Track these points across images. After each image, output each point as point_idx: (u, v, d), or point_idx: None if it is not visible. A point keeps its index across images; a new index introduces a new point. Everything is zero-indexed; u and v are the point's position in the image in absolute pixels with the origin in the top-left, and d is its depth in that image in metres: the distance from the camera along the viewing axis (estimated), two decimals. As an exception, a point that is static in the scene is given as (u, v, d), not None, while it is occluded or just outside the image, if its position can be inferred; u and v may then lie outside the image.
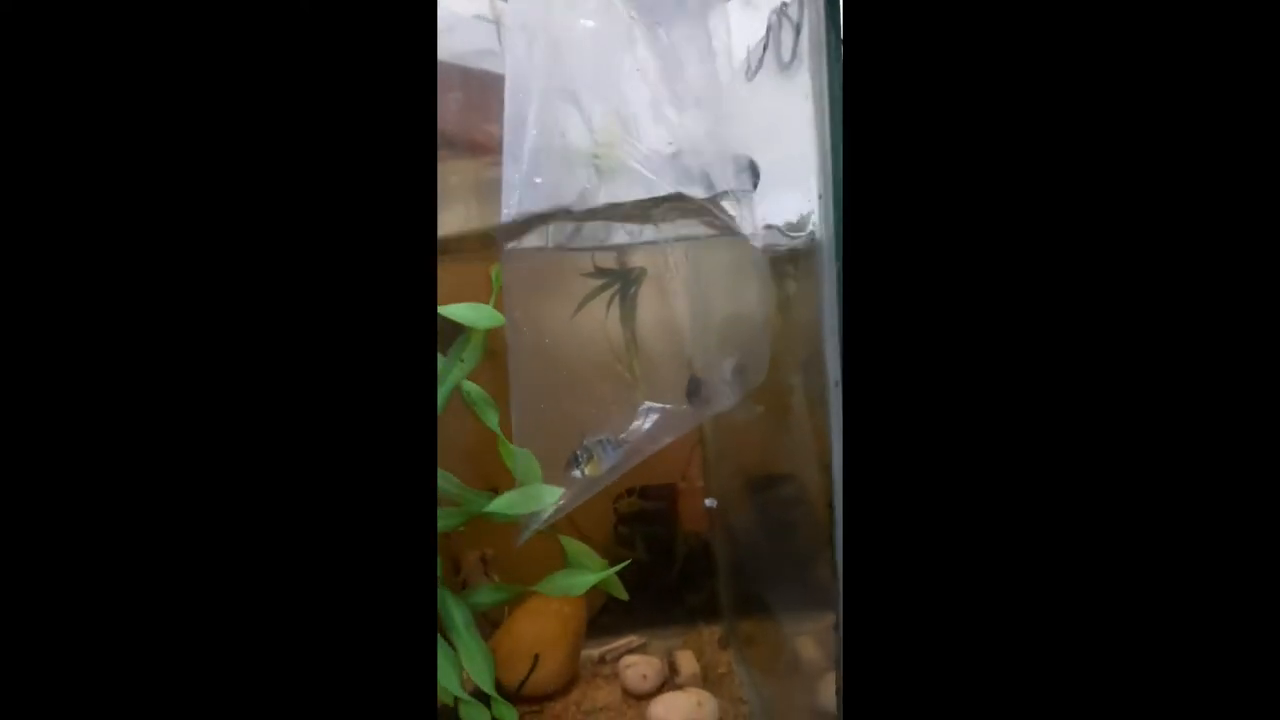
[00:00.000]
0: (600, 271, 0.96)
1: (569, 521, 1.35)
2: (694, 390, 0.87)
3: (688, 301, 0.85)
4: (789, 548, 0.98)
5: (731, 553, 1.28)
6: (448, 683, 0.78)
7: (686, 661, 1.19)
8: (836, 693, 0.68)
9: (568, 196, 0.65)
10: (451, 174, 0.82)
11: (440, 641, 0.81)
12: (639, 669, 1.16)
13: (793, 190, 0.62)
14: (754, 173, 0.66)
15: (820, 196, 0.58)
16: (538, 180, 0.65)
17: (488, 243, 0.75)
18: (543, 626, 1.16)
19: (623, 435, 0.82)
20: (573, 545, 0.87)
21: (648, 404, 0.82)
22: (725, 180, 0.63)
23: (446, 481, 0.82)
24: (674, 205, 0.68)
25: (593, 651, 1.25)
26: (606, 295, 0.92)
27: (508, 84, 0.65)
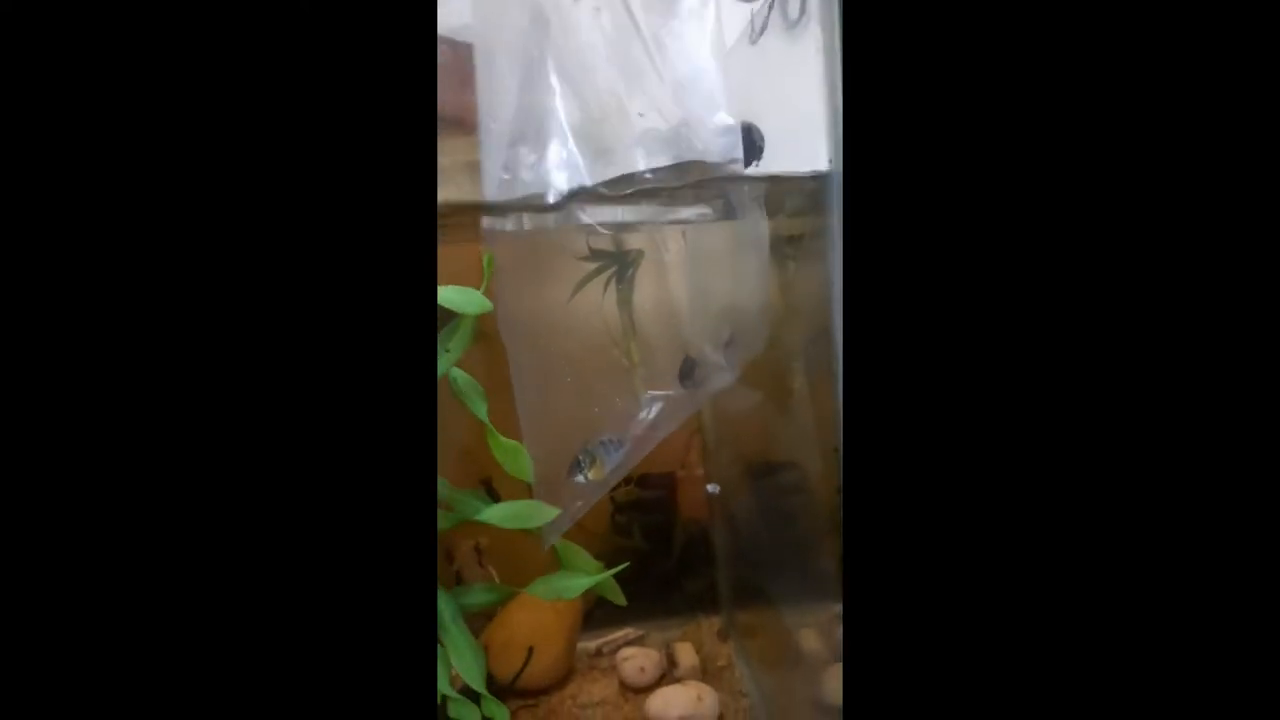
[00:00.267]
0: (596, 254, 0.93)
1: (565, 511, 1.35)
2: (687, 371, 0.84)
3: (684, 282, 0.82)
4: (791, 536, 0.96)
5: (732, 542, 1.26)
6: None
7: (685, 654, 1.17)
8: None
9: (554, 173, 0.61)
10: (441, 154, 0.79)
11: (429, 637, 0.78)
12: (637, 661, 1.15)
13: (802, 154, 0.59)
14: (756, 142, 0.62)
15: (831, 161, 0.54)
16: (522, 151, 0.61)
17: (476, 222, 0.72)
18: (537, 618, 1.14)
19: (624, 434, 0.80)
20: (566, 548, 0.84)
21: (650, 393, 0.80)
22: (723, 152, 0.60)
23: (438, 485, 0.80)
24: (671, 181, 0.64)
25: (589, 644, 1.24)
26: (602, 279, 0.89)
27: (481, 54, 0.61)
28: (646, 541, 1.37)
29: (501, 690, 1.10)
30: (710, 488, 1.25)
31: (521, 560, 0.90)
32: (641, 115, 0.61)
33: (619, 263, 0.92)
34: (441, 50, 0.62)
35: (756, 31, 0.61)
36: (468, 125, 0.64)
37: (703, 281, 0.85)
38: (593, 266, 0.90)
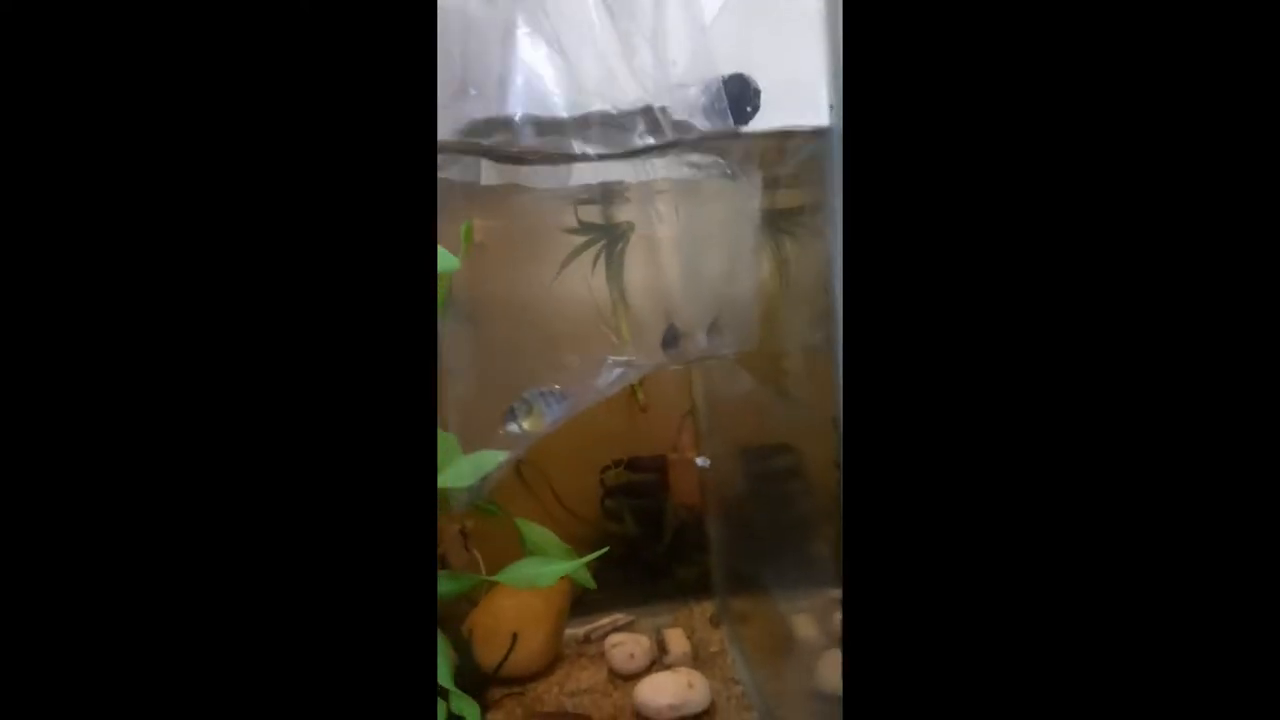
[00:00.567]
0: (585, 226, 0.89)
1: (553, 495, 1.33)
2: (670, 340, 0.81)
3: (673, 255, 0.79)
4: (786, 520, 0.94)
5: (725, 526, 1.24)
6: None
7: (676, 640, 1.15)
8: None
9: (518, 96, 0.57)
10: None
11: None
12: (626, 648, 1.12)
13: (802, 106, 0.55)
14: (749, 96, 0.59)
15: (832, 107, 0.51)
16: (473, 92, 0.57)
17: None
18: (523, 604, 1.11)
19: (569, 388, 0.73)
20: (532, 531, 0.80)
21: (611, 358, 0.75)
22: (715, 112, 0.56)
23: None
24: (659, 140, 0.61)
25: (577, 630, 1.21)
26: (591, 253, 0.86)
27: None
28: (637, 525, 1.35)
29: (485, 678, 1.07)
30: (700, 461, 1.22)
31: (508, 544, 0.87)
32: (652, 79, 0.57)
33: (608, 235, 0.89)
34: None
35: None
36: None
37: (692, 255, 0.82)
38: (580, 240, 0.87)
